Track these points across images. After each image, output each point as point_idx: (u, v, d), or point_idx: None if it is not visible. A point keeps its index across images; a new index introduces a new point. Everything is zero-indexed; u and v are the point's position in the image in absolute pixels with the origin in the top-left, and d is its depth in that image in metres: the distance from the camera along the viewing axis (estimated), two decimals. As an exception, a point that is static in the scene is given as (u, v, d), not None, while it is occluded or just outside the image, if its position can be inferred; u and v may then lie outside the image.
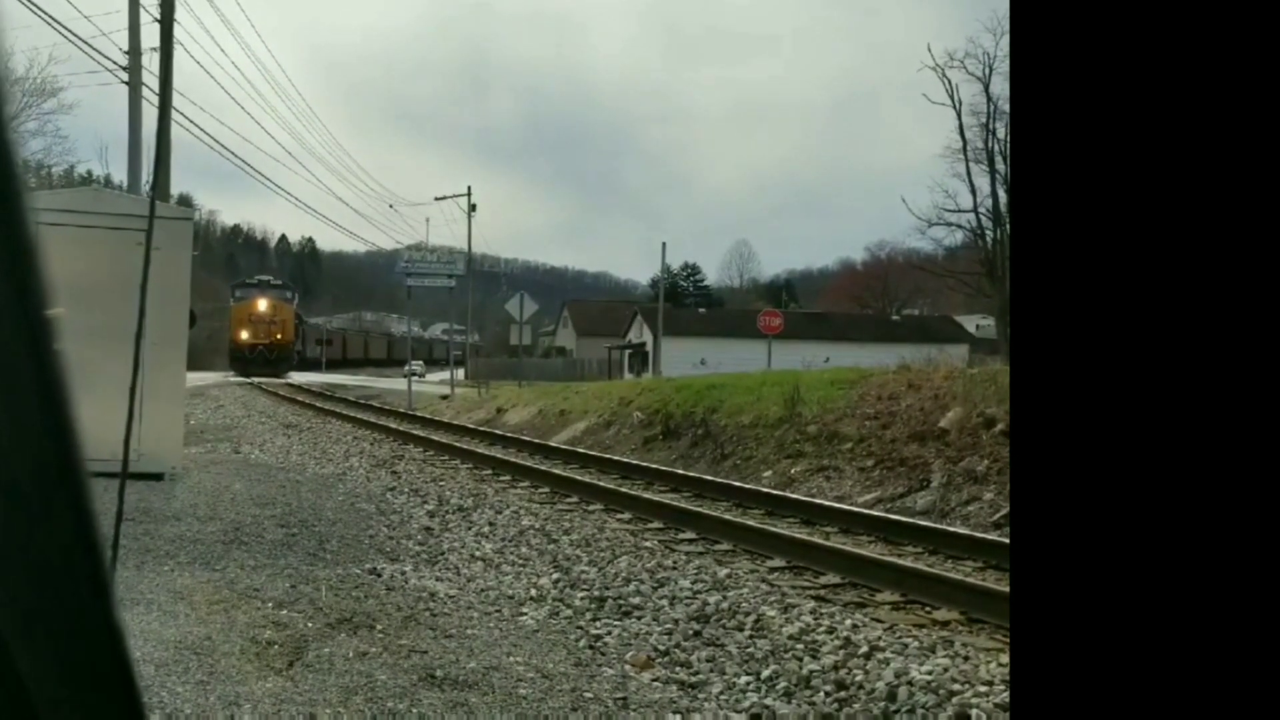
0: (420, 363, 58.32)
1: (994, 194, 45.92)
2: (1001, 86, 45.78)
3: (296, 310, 56.86)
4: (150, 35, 22.05)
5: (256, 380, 45.42)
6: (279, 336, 52.20)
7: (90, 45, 23.01)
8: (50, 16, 19.60)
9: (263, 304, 52.30)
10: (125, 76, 21.08)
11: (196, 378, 32.25)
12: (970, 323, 65.46)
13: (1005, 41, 54.66)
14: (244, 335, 51.58)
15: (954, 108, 46.37)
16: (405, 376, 41.00)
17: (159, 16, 21.66)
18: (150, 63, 21.74)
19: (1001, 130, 45.29)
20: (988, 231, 46.67)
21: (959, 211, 47.11)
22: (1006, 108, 44.45)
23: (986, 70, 45.29)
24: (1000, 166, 45.57)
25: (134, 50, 21.37)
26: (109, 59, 22.05)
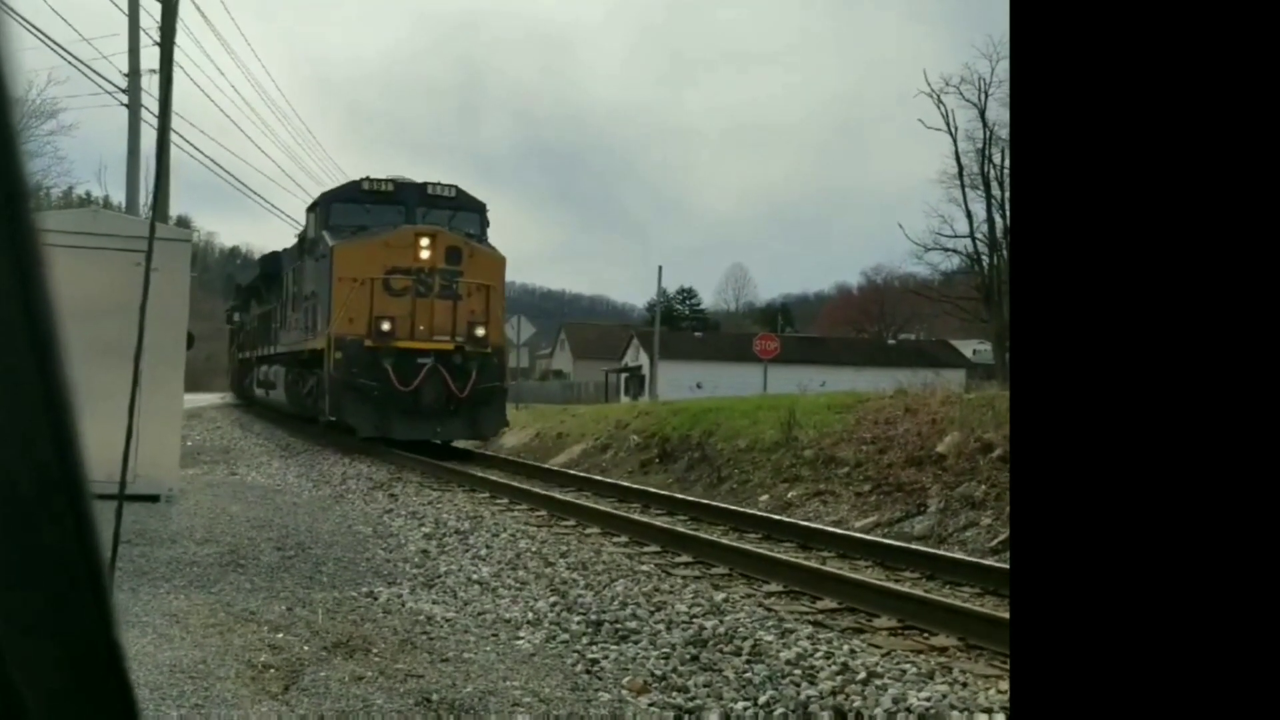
0: None
1: (990, 219, 46.10)
2: (997, 112, 45.95)
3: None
4: (149, 57, 22.16)
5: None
6: (479, 334, 19.25)
7: (90, 68, 23.14)
8: (51, 39, 19.70)
9: (426, 246, 19.01)
10: (125, 98, 21.17)
11: (194, 399, 32.24)
12: (967, 348, 65.56)
13: (1001, 67, 54.96)
14: (384, 327, 18.59)
15: (950, 133, 46.59)
16: None
17: (159, 39, 21.77)
18: (149, 84, 21.85)
19: (998, 156, 45.47)
20: (984, 257, 46.80)
21: (955, 237, 47.28)
22: (1003, 133, 44.68)
23: (982, 96, 45.53)
24: (996, 192, 45.75)
25: (134, 72, 21.47)
26: (109, 80, 22.14)
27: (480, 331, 18.93)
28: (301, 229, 23.35)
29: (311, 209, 21.43)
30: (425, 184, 20.57)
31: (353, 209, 20.25)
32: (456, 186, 20.79)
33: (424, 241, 18.82)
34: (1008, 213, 45.48)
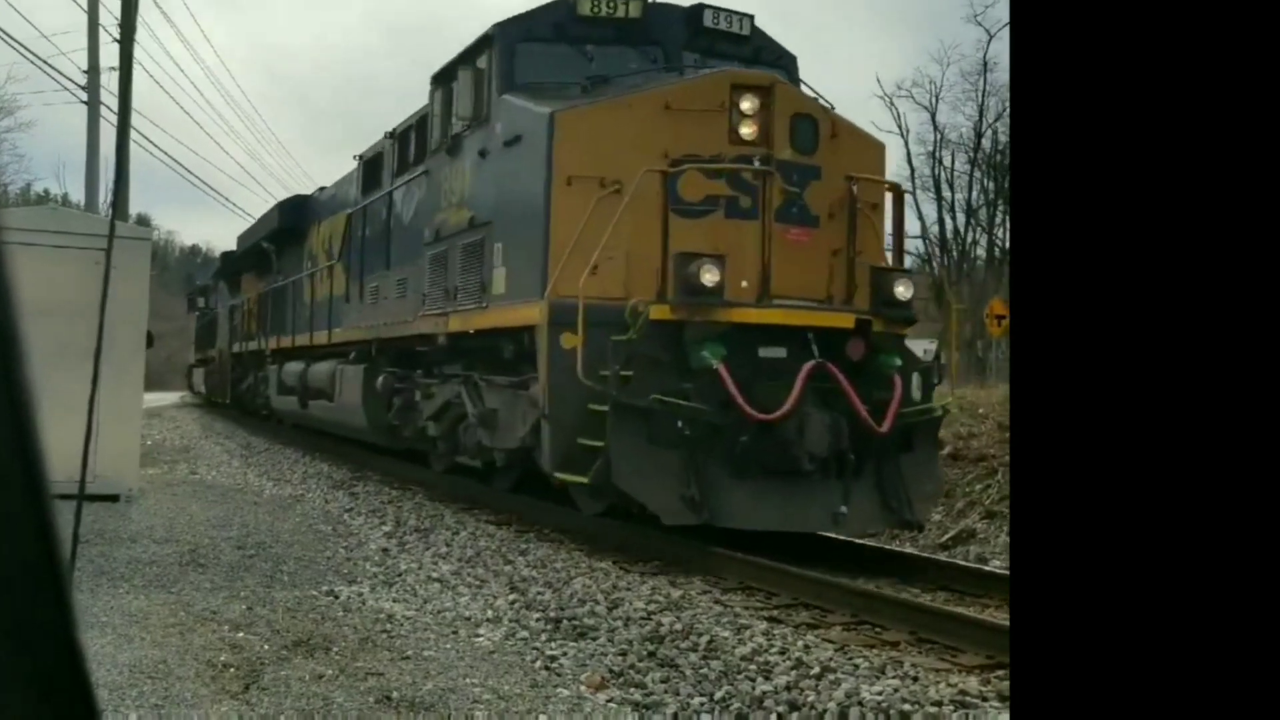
0: None
1: (940, 221, 46.35)
2: (948, 115, 46.37)
3: None
4: (109, 54, 21.97)
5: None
6: (901, 294, 8.80)
7: (49, 64, 22.88)
8: (10, 36, 19.51)
9: (751, 110, 8.46)
10: (84, 95, 20.98)
11: (154, 399, 31.93)
12: (919, 347, 65.91)
13: (950, 71, 55.42)
14: (707, 277, 7.72)
15: (901, 136, 46.75)
16: None
17: (118, 36, 21.57)
18: (109, 82, 21.67)
19: (948, 159, 45.80)
20: (934, 258, 47.12)
21: (907, 238, 47.48)
22: (953, 136, 45.12)
23: (933, 100, 45.69)
24: (946, 194, 46.09)
25: (93, 69, 21.28)
26: (68, 78, 21.93)
27: (901, 291, 9.08)
28: (413, 117, 12.98)
29: (463, 62, 10.61)
30: (700, 6, 10.01)
31: (559, 53, 9.95)
32: (750, 17, 10.31)
33: (746, 103, 8.68)
34: (958, 215, 45.94)
